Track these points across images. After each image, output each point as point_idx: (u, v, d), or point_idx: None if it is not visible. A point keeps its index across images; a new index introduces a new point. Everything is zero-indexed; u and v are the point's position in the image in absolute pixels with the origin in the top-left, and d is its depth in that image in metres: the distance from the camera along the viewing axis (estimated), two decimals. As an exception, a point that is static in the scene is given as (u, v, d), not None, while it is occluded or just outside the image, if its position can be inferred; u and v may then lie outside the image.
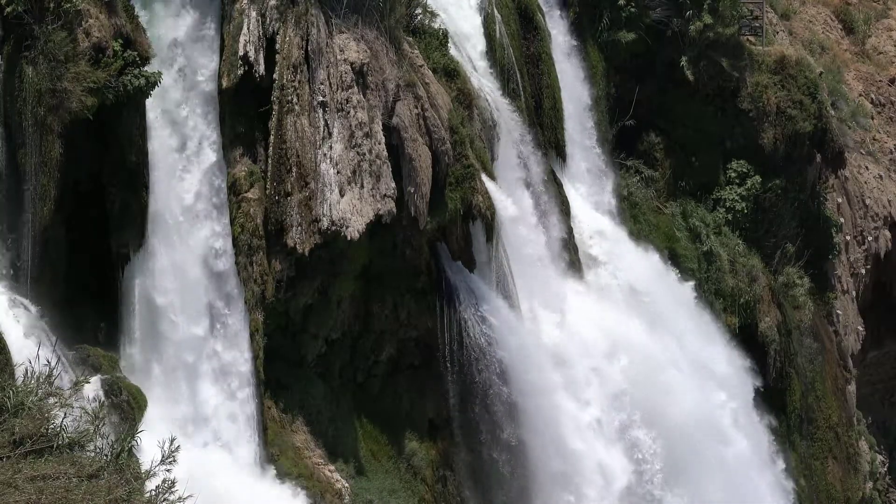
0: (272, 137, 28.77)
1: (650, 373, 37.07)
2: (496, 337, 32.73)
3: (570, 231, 37.68)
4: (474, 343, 32.47)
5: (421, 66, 31.80)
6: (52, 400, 12.92)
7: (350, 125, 29.47)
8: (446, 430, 32.90)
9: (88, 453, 13.00)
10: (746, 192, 43.45)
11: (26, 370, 13.78)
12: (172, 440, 12.38)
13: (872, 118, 52.82)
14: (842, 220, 47.90)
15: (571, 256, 37.60)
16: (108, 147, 26.28)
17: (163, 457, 12.08)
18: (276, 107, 28.78)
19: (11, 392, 13.05)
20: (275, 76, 28.85)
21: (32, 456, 12.54)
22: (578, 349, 35.69)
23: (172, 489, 12.05)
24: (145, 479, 12.82)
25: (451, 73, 33.40)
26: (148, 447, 14.73)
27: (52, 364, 13.91)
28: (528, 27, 38.18)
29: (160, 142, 27.42)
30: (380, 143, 29.83)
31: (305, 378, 30.57)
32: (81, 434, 12.93)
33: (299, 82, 29.01)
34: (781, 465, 41.46)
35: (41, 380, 12.90)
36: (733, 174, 43.66)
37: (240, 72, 28.34)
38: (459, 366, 32.52)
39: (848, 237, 48.56)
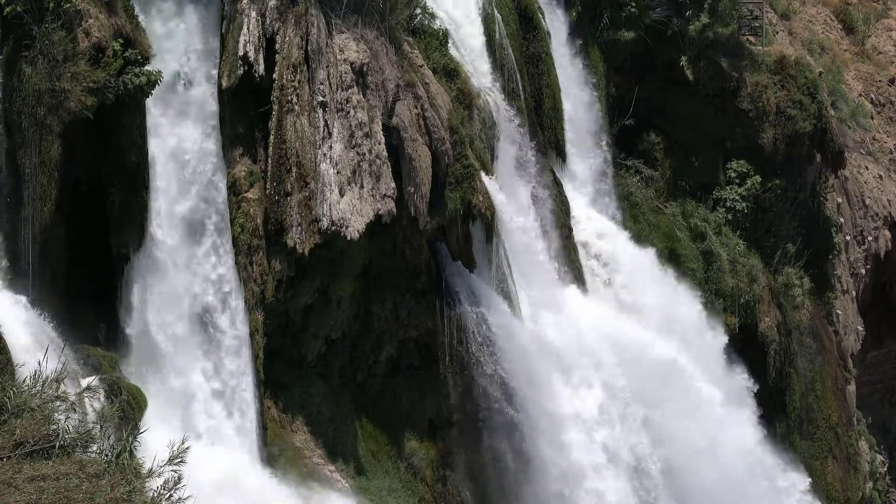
0: (272, 137, 28.76)
1: (649, 371, 37.06)
2: (496, 337, 32.72)
3: (569, 231, 37.68)
4: (474, 343, 32.47)
5: (421, 66, 31.79)
6: (58, 403, 12.90)
7: (350, 125, 29.47)
8: (446, 430, 32.89)
9: (90, 454, 12.98)
10: (746, 192, 43.45)
11: (35, 372, 13.75)
12: (183, 440, 12.37)
13: (872, 118, 52.82)
14: (842, 220, 47.90)
15: (571, 256, 37.60)
16: (108, 147, 26.27)
17: (170, 457, 12.06)
18: (275, 107, 28.77)
19: (12, 392, 13.04)
20: (275, 76, 28.84)
21: (34, 456, 12.53)
22: (578, 349, 35.67)
23: (178, 486, 12.04)
24: (146, 479, 12.80)
25: (451, 73, 33.40)
26: (148, 446, 14.70)
27: (60, 368, 13.88)
28: (528, 27, 38.17)
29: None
30: (380, 143, 29.82)
31: (305, 378, 30.56)
32: (83, 435, 12.92)
33: (299, 82, 29.00)
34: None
35: (46, 382, 12.88)
36: (733, 174, 43.66)
37: (240, 72, 28.33)
38: (459, 366, 32.51)
39: (848, 237, 48.56)
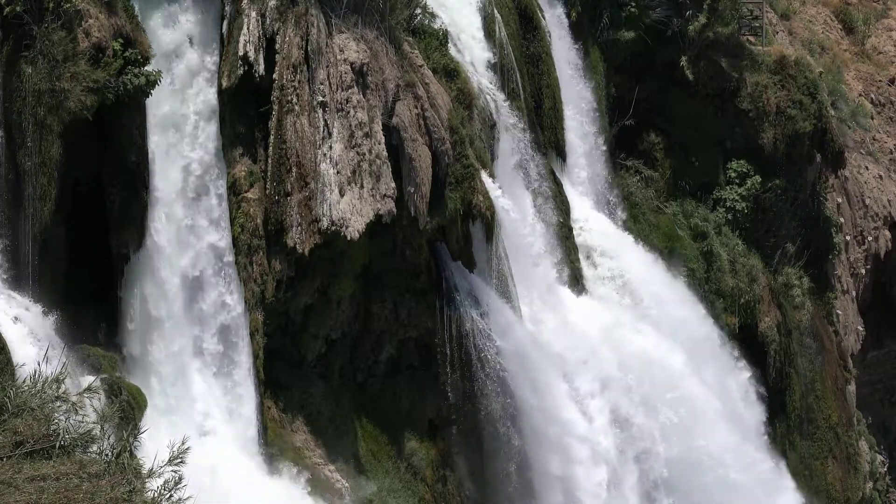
0: (272, 137, 28.76)
1: (649, 371, 37.04)
2: (496, 337, 32.71)
3: (569, 231, 37.67)
4: (474, 343, 32.46)
5: (421, 66, 31.79)
6: (59, 404, 12.90)
7: (350, 125, 29.46)
8: (446, 430, 32.89)
9: (91, 454, 12.98)
10: (746, 192, 43.46)
11: (35, 372, 13.75)
12: (183, 441, 12.37)
13: (872, 118, 52.82)
14: (842, 220, 47.91)
15: (571, 256, 37.60)
16: (108, 147, 26.27)
17: (171, 457, 12.06)
18: (275, 107, 28.77)
19: (12, 392, 13.04)
20: (275, 76, 28.84)
21: (34, 456, 12.53)
22: (577, 349, 35.65)
23: (178, 486, 12.04)
24: (146, 479, 12.80)
25: (451, 73, 33.39)
26: (147, 446, 14.69)
27: (60, 368, 13.87)
28: (528, 27, 38.17)
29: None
30: (380, 143, 29.82)
31: (305, 378, 30.56)
32: (83, 435, 12.91)
33: (299, 82, 28.99)
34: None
35: (46, 382, 12.88)
36: (733, 174, 43.67)
37: (240, 72, 28.33)
38: (459, 366, 32.51)
39: (848, 237, 48.56)
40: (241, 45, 28.28)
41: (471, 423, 33.07)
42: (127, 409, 24.57)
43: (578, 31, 40.89)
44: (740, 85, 43.82)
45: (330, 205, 28.84)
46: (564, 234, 37.29)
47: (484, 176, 33.03)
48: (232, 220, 28.50)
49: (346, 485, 29.91)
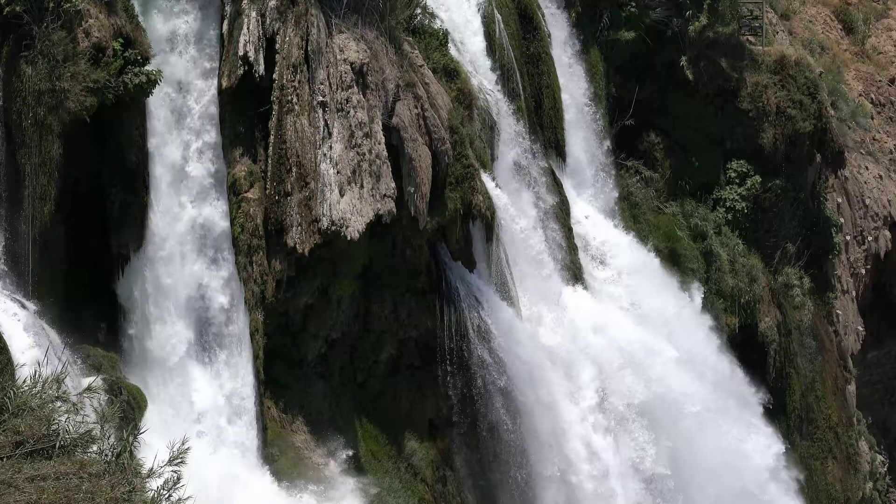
0: (272, 137, 28.76)
1: (648, 370, 37.03)
2: (496, 337, 32.72)
3: (569, 231, 37.67)
4: (474, 343, 32.46)
5: (421, 66, 31.79)
6: (59, 404, 12.90)
7: (350, 125, 29.47)
8: (446, 430, 32.89)
9: (91, 454, 12.98)
10: (746, 192, 43.47)
11: (35, 372, 13.75)
12: (183, 441, 12.37)
13: (872, 118, 52.83)
14: (842, 220, 47.92)
15: (571, 256, 37.59)
16: (108, 147, 26.26)
17: (171, 457, 12.06)
18: (276, 107, 28.77)
19: (13, 392, 13.04)
20: (275, 76, 28.84)
21: (34, 456, 12.52)
22: (577, 349, 35.65)
23: (178, 486, 12.04)
24: (145, 479, 12.80)
25: (451, 73, 33.39)
26: (147, 447, 14.69)
27: (60, 368, 13.87)
28: (528, 27, 38.18)
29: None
30: (380, 143, 29.82)
31: (305, 378, 30.57)
32: (83, 435, 12.91)
33: (299, 82, 28.99)
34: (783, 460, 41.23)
35: (46, 382, 12.88)
36: (733, 174, 43.68)
37: (240, 72, 28.34)
38: (459, 366, 32.51)
39: (848, 237, 48.57)
40: (241, 45, 28.28)
41: (471, 422, 33.06)
42: (127, 409, 24.58)
43: (578, 31, 40.90)
44: (740, 85, 43.83)
45: (330, 205, 28.84)
46: (564, 234, 37.29)
47: (484, 176, 33.04)
48: (232, 220, 28.51)
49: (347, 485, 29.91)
